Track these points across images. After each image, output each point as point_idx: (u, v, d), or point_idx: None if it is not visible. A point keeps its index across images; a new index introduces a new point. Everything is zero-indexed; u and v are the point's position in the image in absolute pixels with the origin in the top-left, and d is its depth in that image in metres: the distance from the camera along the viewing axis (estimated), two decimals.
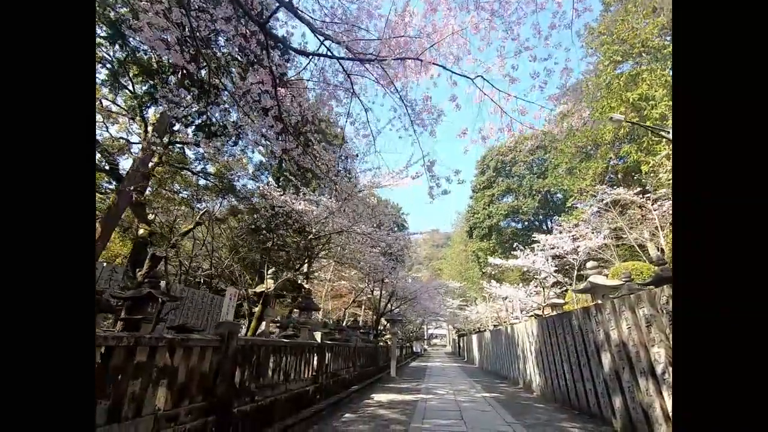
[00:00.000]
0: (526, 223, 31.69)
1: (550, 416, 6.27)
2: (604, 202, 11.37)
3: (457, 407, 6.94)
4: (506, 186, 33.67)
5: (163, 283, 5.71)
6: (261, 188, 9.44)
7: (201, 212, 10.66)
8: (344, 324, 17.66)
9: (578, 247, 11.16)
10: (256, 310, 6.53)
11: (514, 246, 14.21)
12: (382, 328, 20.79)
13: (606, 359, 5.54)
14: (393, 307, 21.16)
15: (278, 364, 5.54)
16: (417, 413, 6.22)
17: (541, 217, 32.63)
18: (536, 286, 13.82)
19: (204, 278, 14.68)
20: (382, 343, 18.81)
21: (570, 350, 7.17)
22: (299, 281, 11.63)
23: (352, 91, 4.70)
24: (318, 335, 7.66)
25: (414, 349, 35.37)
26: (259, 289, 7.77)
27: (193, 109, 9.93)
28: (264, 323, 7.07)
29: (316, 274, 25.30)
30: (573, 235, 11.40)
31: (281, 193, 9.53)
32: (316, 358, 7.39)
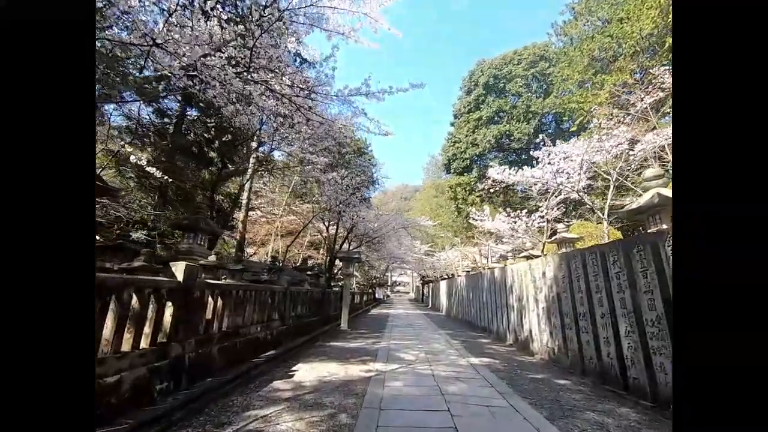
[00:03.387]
0: (514, 155, 28.29)
1: (626, 423, 3.33)
2: (658, 96, 8.28)
3: (442, 399, 3.87)
4: (497, 107, 29.11)
5: None
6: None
7: None
8: (293, 264, 14.44)
9: (630, 151, 7.97)
10: None
11: (522, 157, 10.90)
12: (337, 270, 17.73)
13: None
14: (352, 247, 17.99)
15: None
16: (361, 425, 2.99)
17: (526, 155, 29.69)
18: (542, 216, 10.98)
19: None
20: (336, 289, 15.95)
21: (639, 300, 4.22)
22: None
23: None
24: (179, 269, 4.03)
25: (377, 295, 33.77)
26: None
27: None
28: None
29: (261, 206, 21.59)
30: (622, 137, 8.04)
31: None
32: (168, 313, 3.84)
